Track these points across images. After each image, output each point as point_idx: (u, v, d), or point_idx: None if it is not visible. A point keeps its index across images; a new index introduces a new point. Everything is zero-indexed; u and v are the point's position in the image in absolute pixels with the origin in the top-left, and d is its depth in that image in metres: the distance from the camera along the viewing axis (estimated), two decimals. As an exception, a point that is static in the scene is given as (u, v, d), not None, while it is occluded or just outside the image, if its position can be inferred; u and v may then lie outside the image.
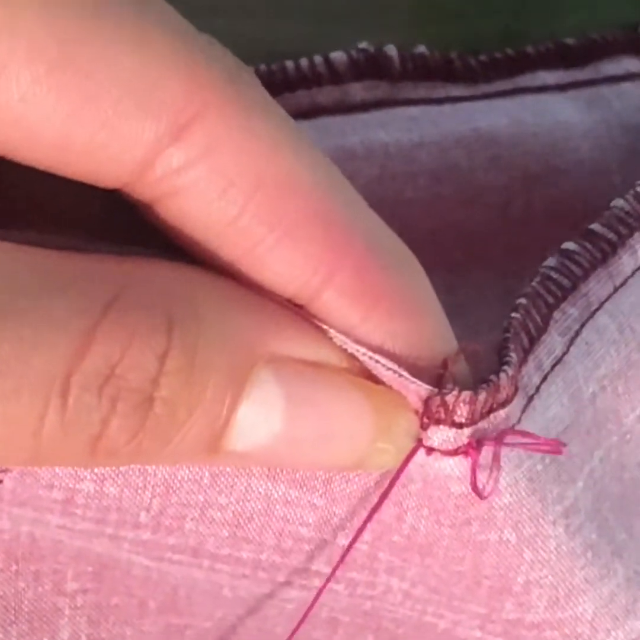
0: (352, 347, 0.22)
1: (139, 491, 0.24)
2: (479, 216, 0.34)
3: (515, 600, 0.25)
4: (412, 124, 0.34)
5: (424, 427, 0.22)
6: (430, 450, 0.22)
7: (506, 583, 0.25)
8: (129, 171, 0.21)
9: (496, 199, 0.34)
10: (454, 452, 0.23)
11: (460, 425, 0.22)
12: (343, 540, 0.24)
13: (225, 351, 0.21)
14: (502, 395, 0.23)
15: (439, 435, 0.22)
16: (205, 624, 0.27)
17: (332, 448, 0.22)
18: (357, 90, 0.35)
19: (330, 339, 0.22)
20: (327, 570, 0.25)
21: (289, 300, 0.22)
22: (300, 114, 0.34)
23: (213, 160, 0.21)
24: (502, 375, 0.22)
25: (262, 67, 0.34)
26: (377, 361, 0.22)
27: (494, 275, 0.35)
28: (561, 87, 0.36)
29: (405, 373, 0.22)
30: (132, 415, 0.20)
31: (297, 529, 0.24)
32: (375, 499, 0.24)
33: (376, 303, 0.22)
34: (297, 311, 0.22)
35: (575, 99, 0.36)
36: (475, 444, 0.23)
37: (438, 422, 0.22)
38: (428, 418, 0.22)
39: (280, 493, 0.24)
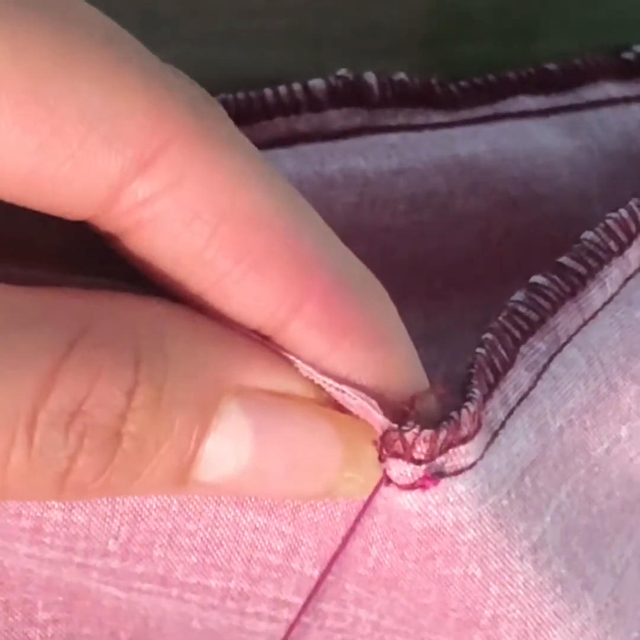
0: (318, 378, 0.22)
1: (107, 519, 0.24)
2: (459, 243, 0.35)
3: (483, 634, 0.25)
4: (392, 151, 0.34)
5: (382, 459, 0.22)
6: (388, 481, 0.23)
7: (473, 616, 0.25)
8: (95, 204, 0.21)
9: (476, 226, 0.35)
10: (411, 486, 0.23)
11: (418, 462, 0.22)
12: (310, 570, 0.24)
13: (192, 385, 0.21)
14: (463, 431, 0.23)
15: (396, 469, 0.22)
16: None
17: (300, 478, 0.22)
18: (336, 118, 0.35)
19: (298, 369, 0.22)
20: (296, 600, 0.25)
21: (256, 331, 0.22)
22: (279, 141, 0.34)
23: (178, 193, 0.21)
24: (464, 412, 0.23)
25: (240, 94, 0.34)
26: (342, 391, 0.22)
27: (473, 302, 0.35)
28: (542, 113, 0.37)
29: (369, 404, 0.22)
30: (99, 452, 0.20)
31: (265, 555, 0.24)
32: (341, 529, 0.24)
33: (343, 335, 0.22)
34: (264, 342, 0.22)
35: (556, 125, 0.36)
36: (432, 477, 0.23)
37: (396, 455, 0.22)
38: (386, 451, 0.22)
39: (248, 520, 0.24)
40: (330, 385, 0.22)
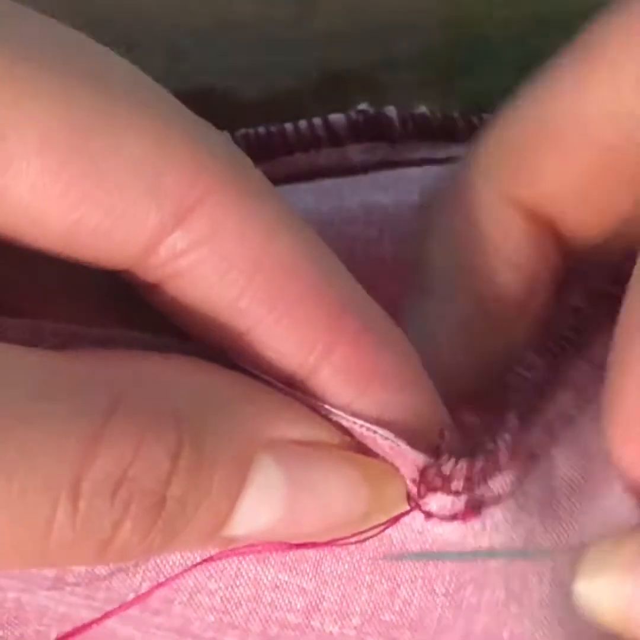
0: (349, 420, 0.22)
1: (130, 574, 0.24)
2: None
3: None
4: (413, 185, 0.34)
5: (421, 495, 0.23)
6: (428, 515, 0.23)
7: None
8: (135, 255, 0.21)
9: None
10: (452, 517, 0.23)
11: (457, 493, 0.23)
12: (331, 627, 0.25)
13: (229, 444, 0.21)
14: (501, 460, 0.23)
15: (436, 502, 0.23)
16: None
17: (329, 523, 0.23)
18: (356, 152, 0.35)
19: (323, 418, 0.23)
20: None
21: (285, 379, 0.23)
22: (299, 175, 0.34)
23: (215, 244, 0.22)
24: (500, 443, 0.23)
25: (261, 129, 0.34)
26: (374, 432, 0.22)
27: None
28: None
29: (403, 443, 0.22)
30: (145, 517, 0.20)
31: (284, 615, 0.24)
32: (367, 577, 0.24)
33: (371, 379, 0.23)
34: (293, 391, 0.23)
35: None
36: (472, 509, 0.23)
37: (435, 489, 0.23)
38: (425, 486, 0.23)
39: (269, 578, 0.24)
40: (361, 426, 0.22)
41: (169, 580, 0.24)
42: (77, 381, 0.21)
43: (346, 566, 0.24)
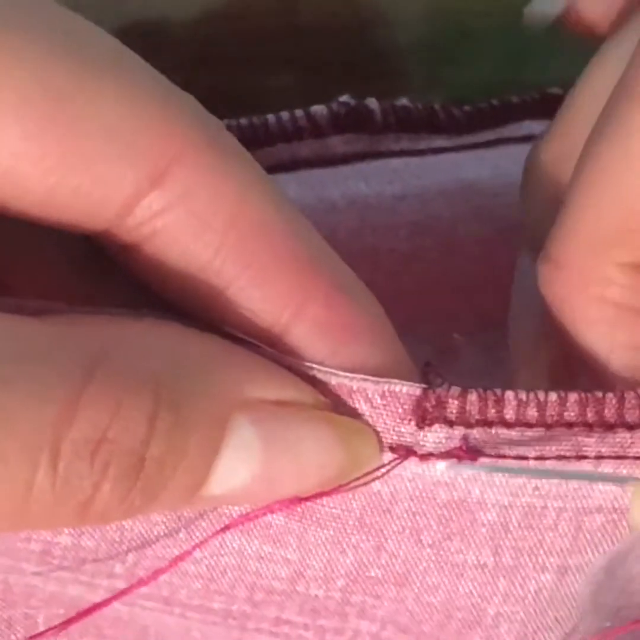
0: (329, 372, 0.23)
1: (115, 545, 0.24)
2: (463, 267, 0.35)
3: (484, 634, 0.26)
4: (394, 176, 0.35)
5: (420, 426, 0.23)
6: (424, 457, 0.23)
7: (477, 615, 0.25)
8: (111, 216, 0.22)
9: (479, 250, 0.35)
10: (447, 454, 0.23)
11: (451, 423, 0.23)
12: (315, 591, 0.25)
13: (205, 405, 0.22)
14: (506, 412, 0.23)
15: (431, 437, 0.23)
16: None
17: (305, 480, 0.23)
18: (338, 143, 0.35)
19: (298, 378, 0.23)
20: (298, 618, 0.25)
21: (261, 338, 0.23)
22: (281, 166, 0.34)
23: (189, 204, 0.22)
24: (509, 393, 0.23)
25: (244, 120, 0.35)
26: (364, 380, 0.23)
27: (480, 326, 0.35)
28: None
29: (394, 380, 0.23)
30: (124, 478, 0.21)
31: (269, 583, 0.25)
32: (353, 538, 0.24)
33: (344, 334, 0.23)
34: (269, 350, 0.23)
35: None
36: (467, 451, 0.23)
37: (431, 420, 0.23)
38: (422, 419, 0.23)
39: (253, 549, 0.24)
40: (345, 377, 0.23)
41: (183, 554, 0.24)
42: (56, 345, 0.21)
43: (331, 532, 0.24)
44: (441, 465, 0.24)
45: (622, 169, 0.24)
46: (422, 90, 0.38)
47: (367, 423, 0.23)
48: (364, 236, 0.34)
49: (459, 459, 0.23)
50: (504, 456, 0.23)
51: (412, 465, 0.24)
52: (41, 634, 0.26)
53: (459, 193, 0.35)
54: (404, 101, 0.36)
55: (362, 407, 0.23)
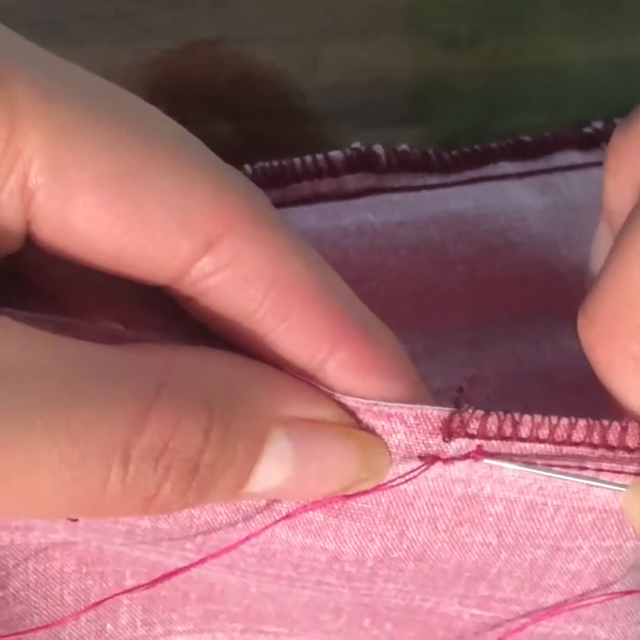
0: (366, 403, 0.24)
1: (186, 528, 0.25)
2: (451, 280, 0.37)
3: (488, 584, 0.27)
4: (395, 207, 0.37)
5: (446, 440, 0.24)
6: (448, 460, 0.24)
7: (482, 574, 0.27)
8: (171, 275, 0.23)
9: (464, 267, 0.37)
10: (465, 457, 0.24)
11: (472, 436, 0.24)
12: (349, 568, 0.26)
13: (249, 421, 0.23)
14: (521, 431, 0.24)
15: (454, 445, 0.24)
16: (234, 609, 0.29)
17: (328, 483, 0.24)
18: (351, 181, 0.38)
19: (328, 400, 0.24)
20: (336, 581, 0.27)
21: (301, 371, 0.24)
22: (304, 200, 0.37)
23: (236, 267, 0.23)
24: (526, 416, 0.24)
25: (275, 162, 0.37)
26: (400, 406, 0.24)
27: (463, 327, 0.37)
28: (519, 175, 0.39)
29: (427, 407, 0.24)
30: (182, 480, 0.22)
31: (311, 563, 0.26)
32: (381, 528, 0.25)
33: (369, 371, 0.24)
34: (307, 380, 0.24)
35: (530, 185, 0.39)
36: (484, 453, 0.24)
37: (456, 435, 0.24)
38: (449, 433, 0.24)
39: (297, 541, 0.26)
40: (376, 405, 0.24)
41: (241, 540, 0.25)
42: (129, 368, 0.22)
43: (363, 523, 0.25)
44: (461, 464, 0.24)
45: None
46: (419, 138, 0.39)
47: (380, 438, 0.24)
48: (371, 256, 0.36)
49: (476, 459, 0.24)
50: (515, 458, 0.24)
51: (436, 468, 0.24)
52: (132, 589, 0.27)
53: (448, 221, 0.37)
54: (403, 147, 0.39)
55: (397, 426, 0.24)
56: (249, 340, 0.24)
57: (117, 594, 0.28)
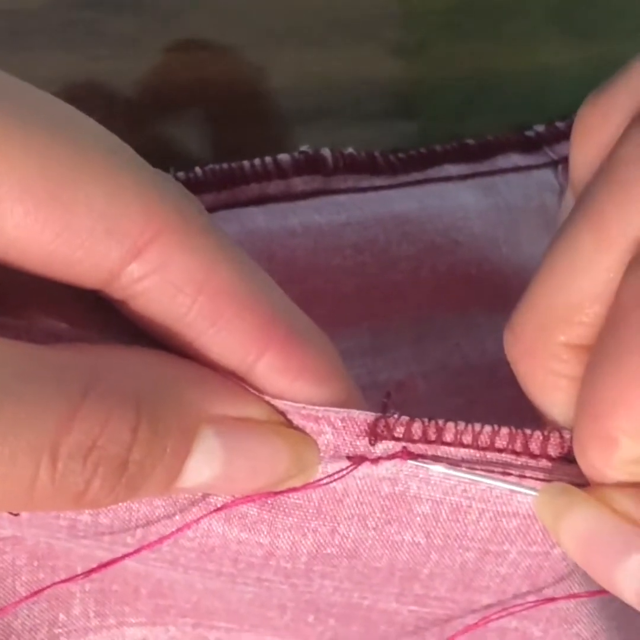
0: (294, 406, 0.24)
1: (126, 522, 0.26)
2: (395, 278, 0.38)
3: (421, 584, 0.28)
4: (341, 208, 0.38)
5: (371, 443, 0.24)
6: (375, 460, 0.25)
7: (414, 574, 0.27)
8: (101, 280, 0.23)
9: (408, 265, 0.38)
10: (392, 456, 0.25)
11: (398, 439, 0.25)
12: (285, 564, 0.27)
13: (178, 419, 0.23)
14: (445, 436, 0.24)
15: (380, 446, 0.25)
16: (184, 605, 0.30)
17: (257, 479, 0.25)
18: (298, 183, 0.38)
19: (257, 399, 0.24)
20: (275, 578, 0.27)
21: (231, 372, 0.24)
22: (253, 201, 0.37)
23: (164, 273, 0.23)
24: (450, 424, 0.24)
25: (225, 165, 0.37)
26: (327, 409, 0.24)
27: (408, 324, 0.38)
28: (462, 177, 0.40)
29: (353, 411, 0.24)
30: (110, 476, 0.22)
31: (248, 558, 0.27)
32: (313, 523, 0.26)
33: (298, 374, 0.25)
34: (237, 381, 0.24)
35: (473, 187, 0.40)
36: (410, 453, 0.24)
37: (382, 438, 0.24)
38: (374, 436, 0.24)
39: (233, 534, 0.26)
40: (304, 408, 0.24)
41: (179, 529, 0.25)
42: (58, 367, 0.22)
43: (295, 519, 0.26)
44: (387, 463, 0.25)
45: (567, 273, 0.24)
46: (366, 141, 0.39)
47: (308, 435, 0.24)
48: (317, 255, 0.37)
49: (402, 459, 0.24)
50: (440, 460, 0.24)
51: (363, 467, 0.25)
52: (76, 576, 0.28)
53: (392, 221, 0.38)
54: (350, 150, 0.39)
55: (325, 428, 0.25)
56: (180, 343, 0.24)
57: (64, 581, 0.28)
